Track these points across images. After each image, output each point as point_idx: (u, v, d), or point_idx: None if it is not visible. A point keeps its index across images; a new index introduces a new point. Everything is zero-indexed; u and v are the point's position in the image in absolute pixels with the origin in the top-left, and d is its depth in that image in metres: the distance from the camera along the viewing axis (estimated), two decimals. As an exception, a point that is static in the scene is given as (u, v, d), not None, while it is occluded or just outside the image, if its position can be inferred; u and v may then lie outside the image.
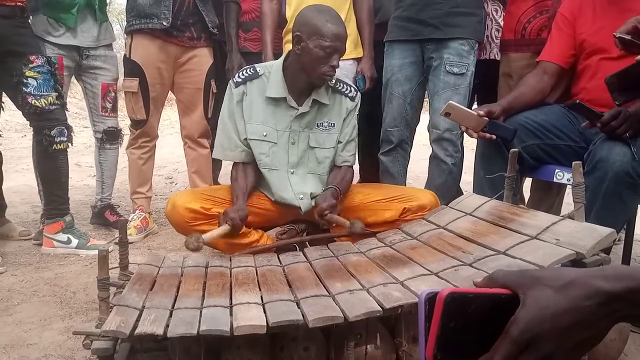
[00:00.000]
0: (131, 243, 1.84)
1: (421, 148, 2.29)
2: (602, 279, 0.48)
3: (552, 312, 0.47)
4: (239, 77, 1.93)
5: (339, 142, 1.99)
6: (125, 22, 2.68)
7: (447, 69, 2.15)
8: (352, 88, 2.01)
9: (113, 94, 2.73)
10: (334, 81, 1.95)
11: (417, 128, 2.64)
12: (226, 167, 3.23)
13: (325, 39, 1.78)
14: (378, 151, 2.44)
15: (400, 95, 2.29)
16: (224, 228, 1.74)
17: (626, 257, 1.89)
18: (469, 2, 2.16)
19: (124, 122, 3.06)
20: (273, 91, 1.90)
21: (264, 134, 1.92)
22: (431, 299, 0.49)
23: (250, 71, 1.93)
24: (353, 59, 2.43)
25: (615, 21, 1.73)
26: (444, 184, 2.22)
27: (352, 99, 1.99)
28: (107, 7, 2.79)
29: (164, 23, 2.48)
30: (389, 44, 2.33)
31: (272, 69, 1.92)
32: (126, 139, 2.82)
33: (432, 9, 2.15)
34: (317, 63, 1.80)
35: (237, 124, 1.92)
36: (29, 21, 2.38)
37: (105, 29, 2.68)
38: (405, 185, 2.50)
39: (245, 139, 1.92)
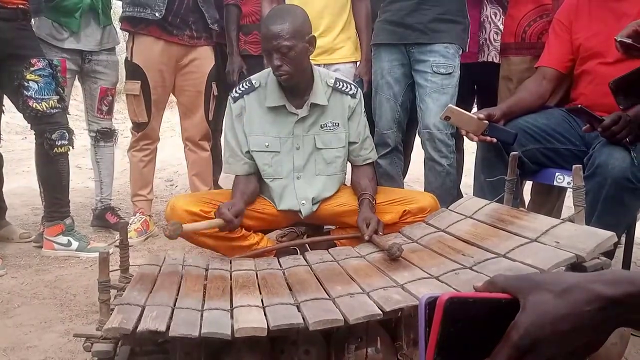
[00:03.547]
0: (131, 246, 1.85)
1: (422, 150, 2.28)
2: (602, 284, 0.48)
3: (552, 317, 0.47)
4: (236, 92, 1.95)
5: (354, 142, 1.99)
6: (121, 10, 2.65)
7: (434, 69, 2.16)
8: (352, 86, 2.00)
9: (110, 98, 2.75)
10: (332, 81, 1.95)
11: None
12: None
13: (263, 40, 1.82)
14: None
15: (391, 97, 2.29)
16: (215, 222, 1.72)
17: (626, 261, 1.89)
18: (454, 10, 2.18)
19: (124, 125, 3.07)
20: (271, 100, 1.90)
21: (266, 144, 1.92)
22: (431, 303, 0.49)
23: (246, 85, 1.95)
24: (353, 62, 2.43)
25: (610, 26, 1.74)
26: (442, 187, 2.20)
27: (353, 96, 1.98)
28: (111, 11, 2.78)
29: (157, 14, 2.46)
30: (375, 47, 2.34)
31: (268, 79, 1.93)
32: (127, 141, 2.83)
33: (418, 15, 2.17)
34: (269, 65, 1.83)
35: (238, 137, 1.94)
36: (32, 24, 2.38)
37: (108, 33, 2.68)
38: (404, 187, 2.49)
39: (248, 151, 1.93)
